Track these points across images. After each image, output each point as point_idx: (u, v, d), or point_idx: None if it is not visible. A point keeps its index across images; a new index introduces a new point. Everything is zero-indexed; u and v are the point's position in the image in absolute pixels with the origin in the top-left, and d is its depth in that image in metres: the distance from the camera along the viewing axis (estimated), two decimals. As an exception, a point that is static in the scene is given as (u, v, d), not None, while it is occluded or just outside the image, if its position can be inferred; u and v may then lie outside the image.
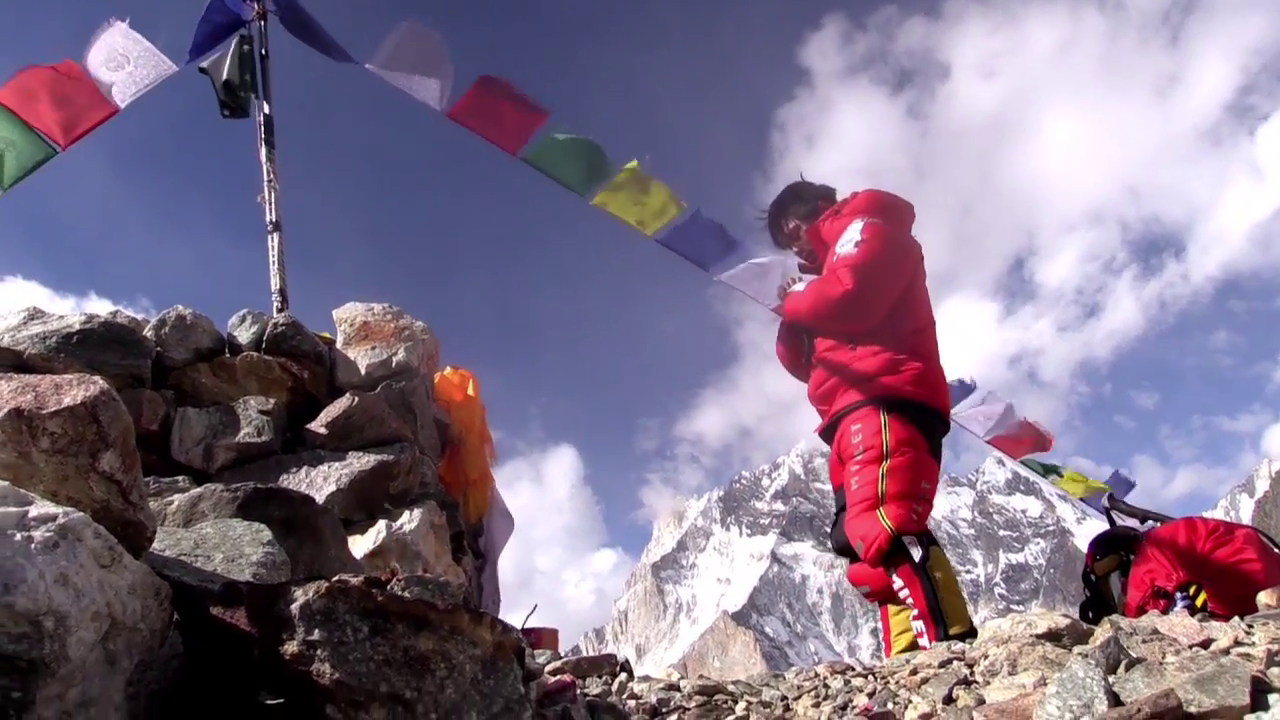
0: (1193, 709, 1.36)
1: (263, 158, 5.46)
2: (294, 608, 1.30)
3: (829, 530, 3.87)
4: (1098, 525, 4.32)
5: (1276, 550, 3.44)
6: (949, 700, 1.83)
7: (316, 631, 1.28)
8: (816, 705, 2.00)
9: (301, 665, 1.26)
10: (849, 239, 3.65)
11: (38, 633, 1.07)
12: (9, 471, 1.34)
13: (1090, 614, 3.72)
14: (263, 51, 5.62)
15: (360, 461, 4.06)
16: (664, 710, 2.05)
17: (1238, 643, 1.81)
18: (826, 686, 2.13)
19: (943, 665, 2.08)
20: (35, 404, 1.36)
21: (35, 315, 3.92)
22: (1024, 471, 6.57)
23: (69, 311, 4.00)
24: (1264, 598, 2.47)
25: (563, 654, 2.88)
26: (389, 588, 1.40)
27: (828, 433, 3.76)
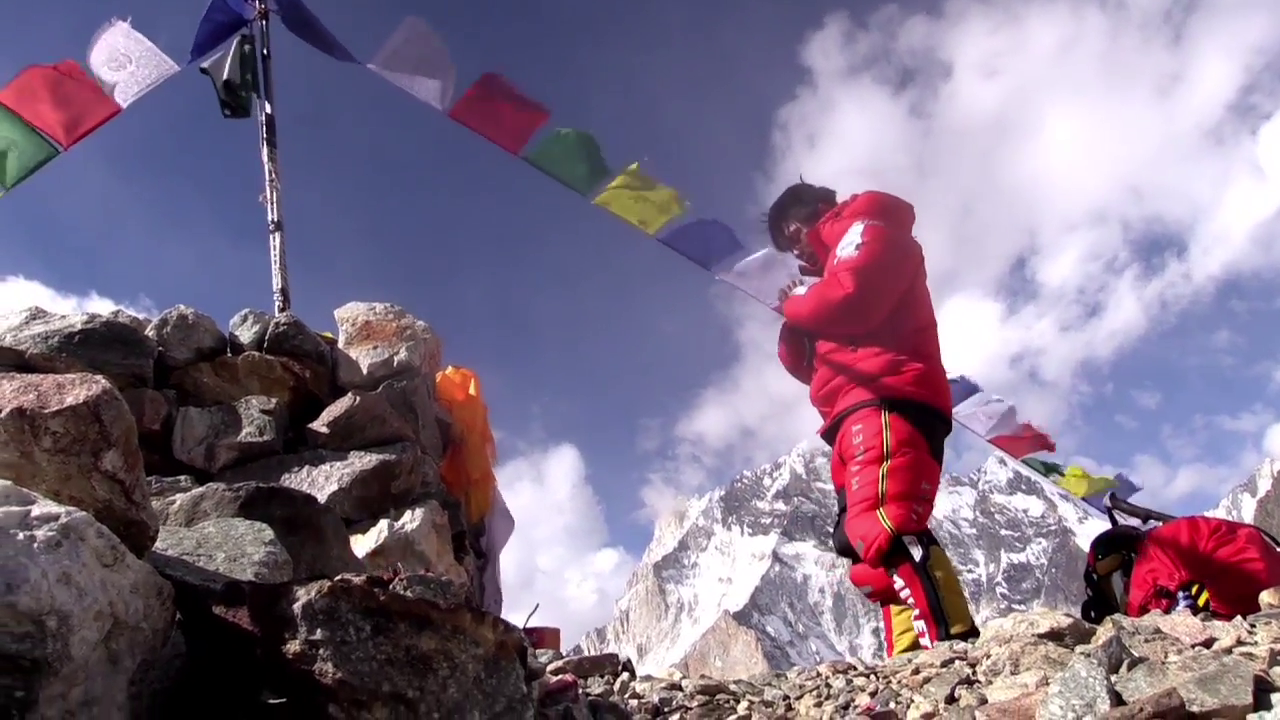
0: (1195, 708, 1.35)
1: (264, 157, 5.47)
2: (296, 607, 1.30)
3: (831, 530, 3.87)
4: (1099, 525, 4.32)
5: (1279, 549, 3.43)
6: (951, 700, 1.83)
7: (319, 631, 1.28)
8: (819, 705, 1.99)
9: (304, 664, 1.26)
10: (850, 242, 3.65)
11: (41, 632, 1.07)
12: (11, 471, 1.34)
13: (1092, 613, 3.72)
14: (264, 51, 5.63)
15: (362, 461, 4.06)
16: (666, 710, 2.05)
17: (1240, 642, 1.81)
18: (829, 686, 2.13)
19: (945, 665, 2.08)
20: (38, 403, 1.36)
21: (37, 315, 3.93)
22: (1026, 471, 6.56)
23: (71, 311, 4.01)
24: (1266, 597, 2.47)
25: (564, 654, 2.88)
26: (391, 587, 1.40)
27: (830, 434, 3.76)
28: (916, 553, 3.16)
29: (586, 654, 2.67)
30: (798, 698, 2.07)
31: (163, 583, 1.34)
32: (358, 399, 4.21)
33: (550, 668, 2.39)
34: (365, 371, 4.55)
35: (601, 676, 2.44)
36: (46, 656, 1.07)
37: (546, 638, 4.09)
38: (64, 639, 1.09)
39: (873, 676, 2.17)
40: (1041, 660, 1.91)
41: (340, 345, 4.70)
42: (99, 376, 1.45)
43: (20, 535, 1.12)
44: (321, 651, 1.27)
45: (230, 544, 1.90)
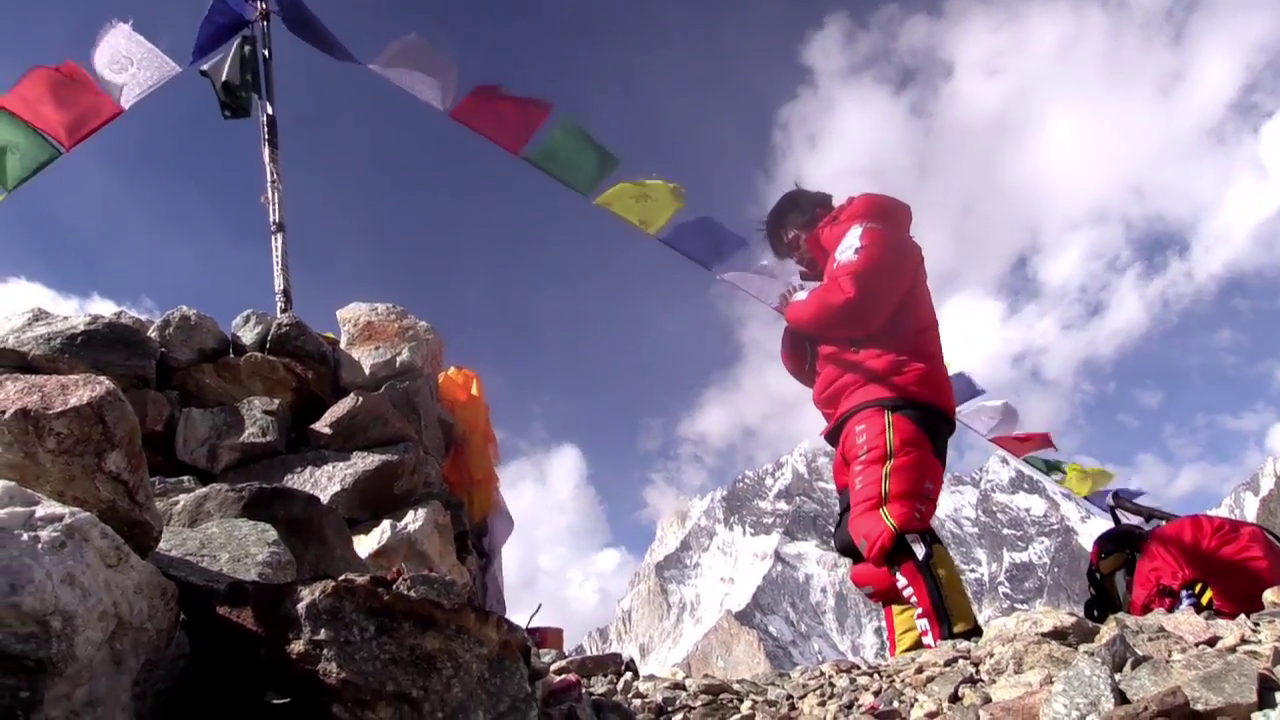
0: (1199, 707, 1.35)
1: (266, 158, 5.47)
2: (300, 607, 1.30)
3: (833, 530, 3.88)
4: (1102, 524, 4.31)
5: (1282, 548, 3.42)
6: (955, 699, 1.83)
7: (323, 631, 1.28)
8: (822, 704, 1.99)
9: (308, 664, 1.26)
10: (849, 245, 3.66)
11: (45, 632, 1.07)
12: (15, 472, 1.34)
13: (1095, 612, 3.72)
14: (265, 52, 5.63)
15: (364, 461, 4.07)
16: (670, 709, 2.05)
17: (1244, 640, 1.81)
18: (832, 685, 2.13)
19: (948, 664, 2.07)
20: (42, 404, 1.36)
21: (40, 316, 3.93)
22: (1027, 470, 6.55)
23: (73, 313, 4.02)
24: (1270, 595, 2.46)
25: (566, 654, 2.88)
26: (395, 587, 1.40)
27: (833, 435, 3.77)
28: (920, 551, 3.16)
29: (589, 654, 2.67)
30: (801, 697, 2.07)
31: (166, 583, 1.34)
32: (360, 399, 4.22)
33: (554, 667, 2.39)
34: (367, 372, 4.56)
35: (605, 676, 2.44)
36: (51, 657, 1.07)
37: (549, 638, 4.10)
38: (68, 639, 1.09)
39: (876, 676, 2.17)
40: (1045, 659, 1.91)
41: (342, 346, 4.70)
42: (102, 377, 1.45)
43: (24, 536, 1.12)
44: (325, 651, 1.27)
45: (234, 544, 1.90)
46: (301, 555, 2.17)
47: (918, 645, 3.27)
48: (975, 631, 2.97)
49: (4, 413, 1.34)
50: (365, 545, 3.76)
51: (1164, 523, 3.84)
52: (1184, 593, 3.35)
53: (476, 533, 5.18)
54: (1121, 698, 1.45)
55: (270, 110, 5.57)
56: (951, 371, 4.05)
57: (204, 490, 2.35)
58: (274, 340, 4.41)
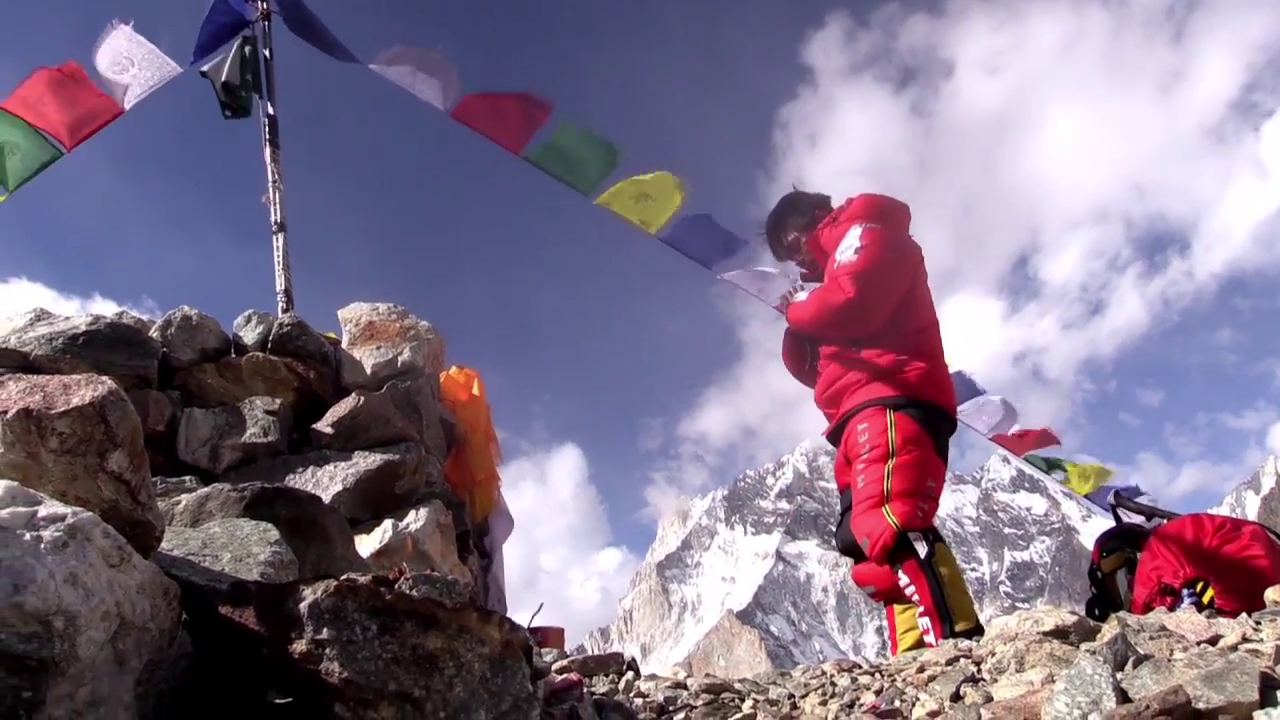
0: (1201, 705, 1.35)
1: (267, 158, 5.47)
2: (302, 607, 1.30)
3: (834, 530, 3.88)
4: (1103, 522, 4.31)
5: (1284, 546, 3.42)
6: (957, 698, 1.83)
7: (325, 630, 1.28)
8: (824, 703, 1.99)
9: (310, 664, 1.26)
10: (848, 245, 3.66)
11: (47, 632, 1.07)
12: (18, 471, 1.35)
13: (1097, 611, 3.71)
14: (266, 52, 5.63)
15: (366, 461, 4.07)
16: (671, 708, 2.05)
17: (1246, 639, 1.81)
18: (833, 684, 2.12)
19: (950, 663, 2.08)
20: (44, 404, 1.36)
21: (41, 316, 3.94)
22: (1028, 469, 6.55)
23: (74, 313, 4.02)
24: (1272, 594, 2.46)
25: (568, 653, 2.89)
26: (397, 586, 1.40)
27: (835, 435, 3.77)
28: (922, 549, 3.16)
29: (590, 653, 2.68)
30: (803, 696, 2.07)
31: (169, 583, 1.34)
32: (362, 399, 4.22)
33: (555, 667, 2.40)
34: (369, 372, 4.56)
35: (606, 675, 2.44)
36: (53, 657, 1.07)
37: (550, 637, 4.10)
38: (71, 639, 1.10)
39: (878, 675, 2.17)
40: (1047, 658, 1.91)
41: (344, 346, 4.70)
42: (105, 377, 1.45)
43: (27, 535, 1.12)
44: (328, 651, 1.27)
45: (236, 544, 1.90)
46: (303, 555, 2.17)
47: (919, 644, 3.27)
48: (977, 630, 2.97)
49: (6, 412, 1.34)
50: (367, 545, 3.76)
51: (1165, 521, 3.83)
52: (1185, 591, 3.35)
53: (478, 532, 5.18)
54: (1123, 696, 1.45)
55: (271, 110, 5.57)
56: (951, 370, 4.06)
57: (206, 490, 2.35)
58: (275, 340, 4.41)
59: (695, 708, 2.03)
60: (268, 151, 5.48)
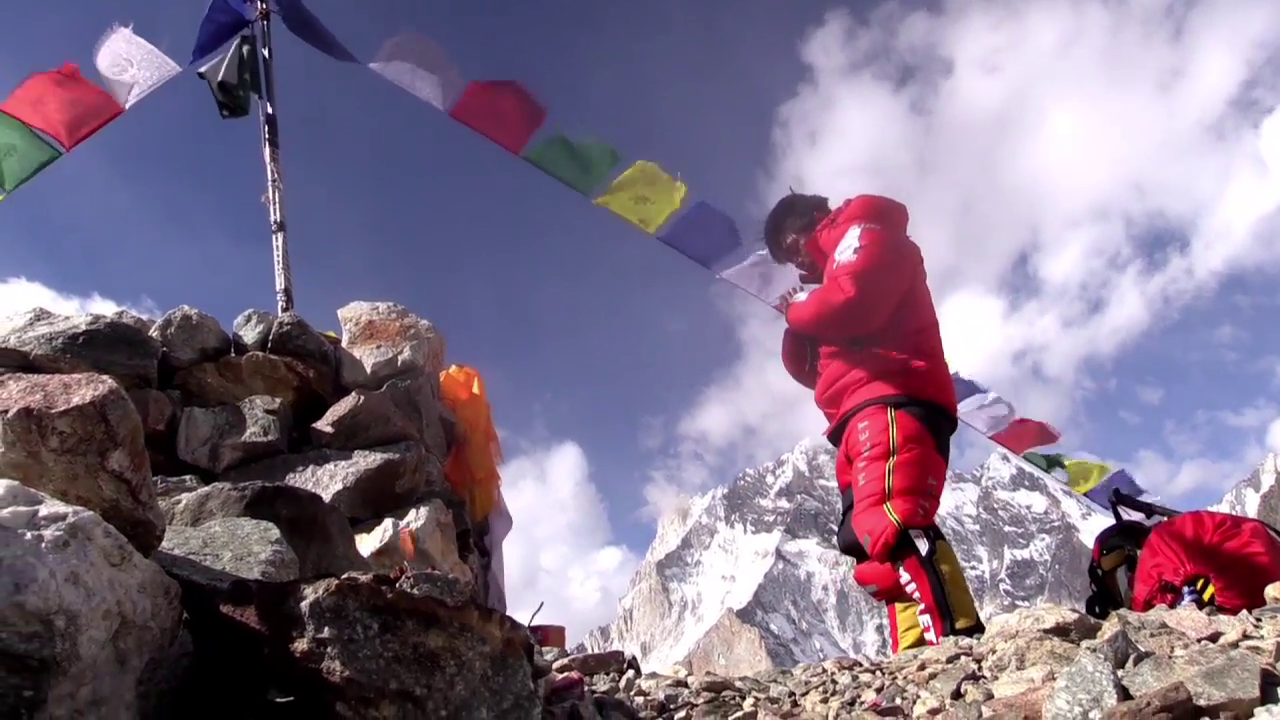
0: (1202, 702, 1.35)
1: (267, 158, 5.47)
2: (304, 605, 1.30)
3: (835, 529, 3.88)
4: (1103, 520, 4.31)
5: (1284, 544, 3.42)
6: (957, 695, 1.83)
7: (326, 629, 1.28)
8: (825, 701, 1.99)
9: (311, 663, 1.26)
10: (847, 246, 3.67)
11: (49, 631, 1.07)
12: (19, 471, 1.34)
13: (1097, 608, 3.71)
14: (265, 51, 5.63)
15: (366, 460, 4.07)
16: (672, 706, 2.05)
17: (1246, 636, 1.81)
18: (834, 682, 2.13)
19: (951, 660, 2.08)
20: (44, 403, 1.36)
21: (41, 316, 3.93)
22: (1028, 467, 6.56)
23: (74, 313, 4.02)
24: (1272, 590, 2.46)
25: (568, 652, 2.89)
26: (398, 585, 1.40)
27: (836, 434, 3.77)
28: (923, 547, 3.16)
29: (591, 652, 2.68)
30: (804, 694, 2.07)
31: (170, 582, 1.34)
32: (362, 398, 4.22)
33: (556, 665, 2.40)
34: (369, 371, 4.56)
35: (607, 674, 2.44)
36: (55, 656, 1.07)
37: (551, 636, 4.10)
38: (72, 638, 1.10)
39: (879, 672, 2.17)
40: (1047, 655, 1.91)
41: (344, 345, 4.70)
42: (105, 377, 1.45)
43: (28, 535, 1.12)
44: (329, 650, 1.27)
45: (236, 543, 1.90)
46: (304, 554, 2.17)
47: (920, 642, 3.27)
48: (977, 628, 2.97)
49: (7, 412, 1.34)
50: (367, 544, 3.77)
51: (1165, 519, 3.83)
52: (1186, 588, 3.35)
53: (478, 531, 5.18)
54: (1124, 693, 1.45)
55: (270, 109, 5.57)
56: (951, 370, 4.06)
57: (206, 489, 2.35)
58: (275, 339, 4.41)
59: (696, 706, 2.03)
60: (267, 151, 5.48)
